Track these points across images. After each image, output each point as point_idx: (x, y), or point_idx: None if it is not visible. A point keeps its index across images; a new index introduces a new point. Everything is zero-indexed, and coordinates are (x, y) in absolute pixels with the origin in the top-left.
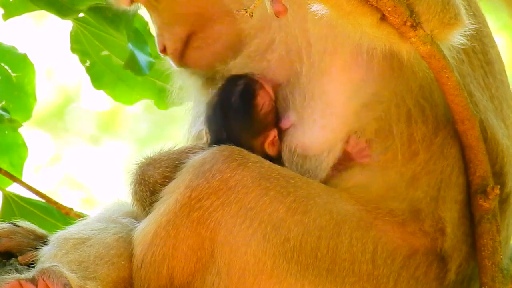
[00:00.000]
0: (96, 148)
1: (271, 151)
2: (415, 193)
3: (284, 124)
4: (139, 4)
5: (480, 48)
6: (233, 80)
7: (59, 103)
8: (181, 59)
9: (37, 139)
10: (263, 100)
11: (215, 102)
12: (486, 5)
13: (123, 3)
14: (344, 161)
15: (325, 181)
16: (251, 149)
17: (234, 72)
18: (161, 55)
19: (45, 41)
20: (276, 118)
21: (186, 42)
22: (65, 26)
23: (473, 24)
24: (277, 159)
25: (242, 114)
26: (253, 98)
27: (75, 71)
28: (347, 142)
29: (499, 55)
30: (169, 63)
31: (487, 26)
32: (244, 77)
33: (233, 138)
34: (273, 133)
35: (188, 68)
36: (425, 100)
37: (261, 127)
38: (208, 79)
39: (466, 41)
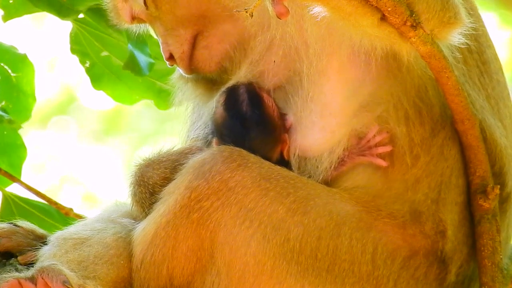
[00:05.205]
0: (98, 146)
1: (287, 155)
2: (416, 195)
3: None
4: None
5: (476, 48)
6: (232, 92)
7: (61, 101)
8: (190, 62)
9: (39, 138)
10: (270, 102)
11: (226, 121)
12: (483, 2)
13: (125, 22)
14: (352, 157)
15: (326, 182)
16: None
17: (242, 76)
18: (168, 64)
19: (46, 40)
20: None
21: (193, 44)
22: (65, 27)
23: (470, 23)
24: (284, 161)
25: (260, 122)
26: (262, 102)
27: (76, 69)
28: (359, 136)
29: (495, 54)
30: (178, 70)
31: (483, 25)
32: (241, 86)
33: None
34: (287, 137)
35: (197, 73)
36: (421, 101)
37: (279, 131)
38: (209, 83)
39: (464, 40)
